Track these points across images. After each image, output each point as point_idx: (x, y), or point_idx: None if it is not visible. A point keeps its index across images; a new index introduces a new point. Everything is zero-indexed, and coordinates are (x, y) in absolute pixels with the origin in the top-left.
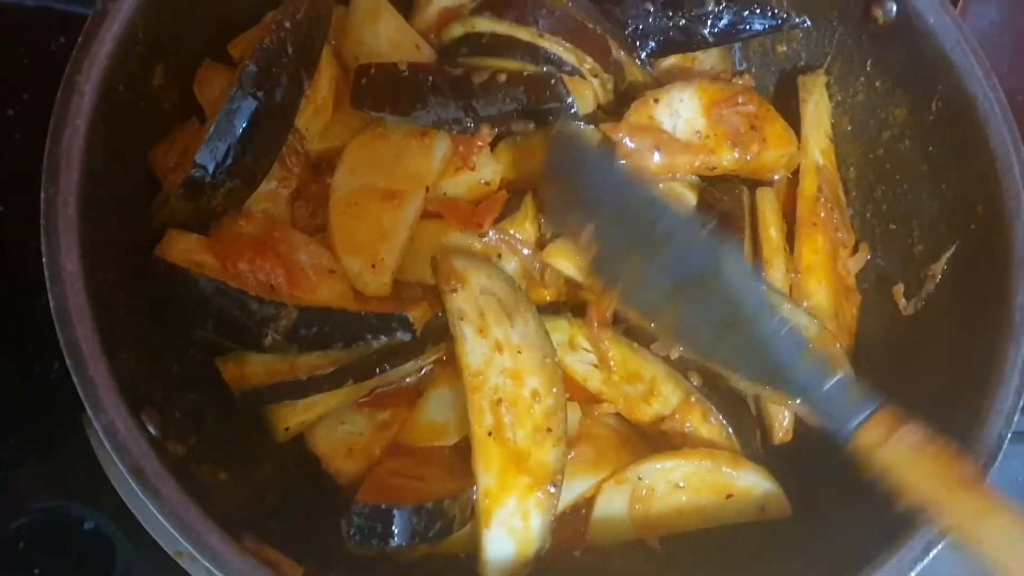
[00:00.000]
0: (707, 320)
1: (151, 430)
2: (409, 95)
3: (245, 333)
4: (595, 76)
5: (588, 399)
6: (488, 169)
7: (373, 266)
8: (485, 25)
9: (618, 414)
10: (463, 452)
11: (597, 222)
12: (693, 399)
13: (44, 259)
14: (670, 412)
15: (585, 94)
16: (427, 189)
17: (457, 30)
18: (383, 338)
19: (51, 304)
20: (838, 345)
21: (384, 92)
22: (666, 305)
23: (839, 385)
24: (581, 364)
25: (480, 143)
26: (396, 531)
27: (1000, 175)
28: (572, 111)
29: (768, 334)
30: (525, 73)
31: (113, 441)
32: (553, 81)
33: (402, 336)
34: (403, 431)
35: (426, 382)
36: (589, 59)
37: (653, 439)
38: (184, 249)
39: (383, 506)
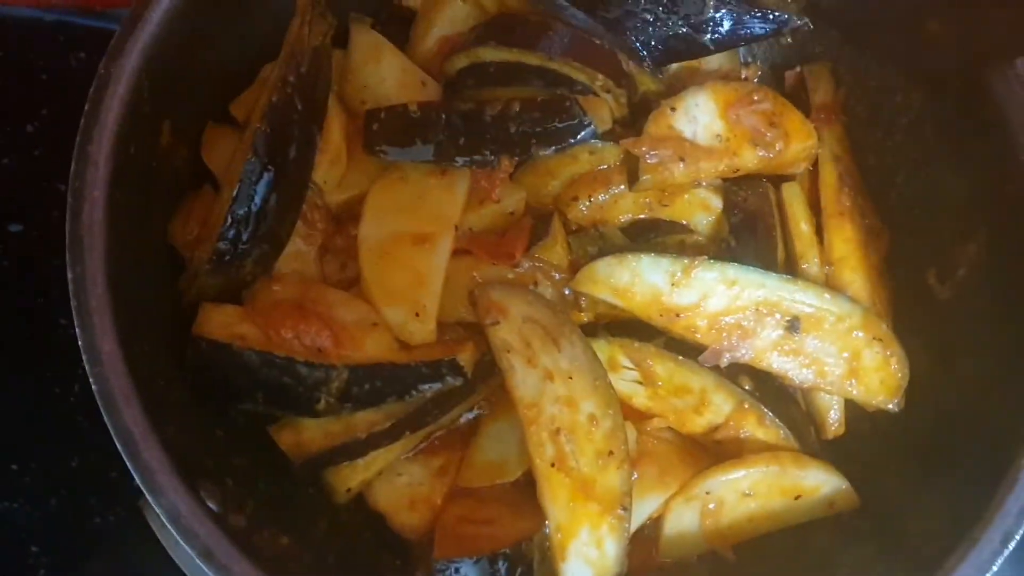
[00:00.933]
0: None
1: (211, 506)
2: (423, 135)
3: (297, 400)
4: (608, 92)
5: (637, 417)
6: (512, 199)
7: (417, 314)
8: (491, 55)
9: (670, 428)
10: (524, 487)
11: None
12: (747, 405)
13: (80, 342)
14: (723, 421)
15: (601, 112)
16: (456, 227)
17: (462, 61)
18: (436, 385)
19: (94, 387)
20: (883, 327)
21: (397, 135)
22: None
23: None
24: (624, 383)
25: (502, 175)
26: None
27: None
28: (591, 130)
29: None
30: (539, 99)
31: (178, 526)
32: (568, 104)
33: (453, 381)
34: (463, 474)
35: (477, 420)
36: (600, 76)
37: (708, 448)
38: (222, 323)
39: (463, 559)
